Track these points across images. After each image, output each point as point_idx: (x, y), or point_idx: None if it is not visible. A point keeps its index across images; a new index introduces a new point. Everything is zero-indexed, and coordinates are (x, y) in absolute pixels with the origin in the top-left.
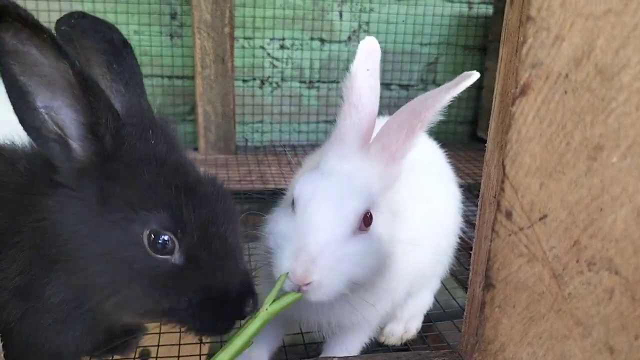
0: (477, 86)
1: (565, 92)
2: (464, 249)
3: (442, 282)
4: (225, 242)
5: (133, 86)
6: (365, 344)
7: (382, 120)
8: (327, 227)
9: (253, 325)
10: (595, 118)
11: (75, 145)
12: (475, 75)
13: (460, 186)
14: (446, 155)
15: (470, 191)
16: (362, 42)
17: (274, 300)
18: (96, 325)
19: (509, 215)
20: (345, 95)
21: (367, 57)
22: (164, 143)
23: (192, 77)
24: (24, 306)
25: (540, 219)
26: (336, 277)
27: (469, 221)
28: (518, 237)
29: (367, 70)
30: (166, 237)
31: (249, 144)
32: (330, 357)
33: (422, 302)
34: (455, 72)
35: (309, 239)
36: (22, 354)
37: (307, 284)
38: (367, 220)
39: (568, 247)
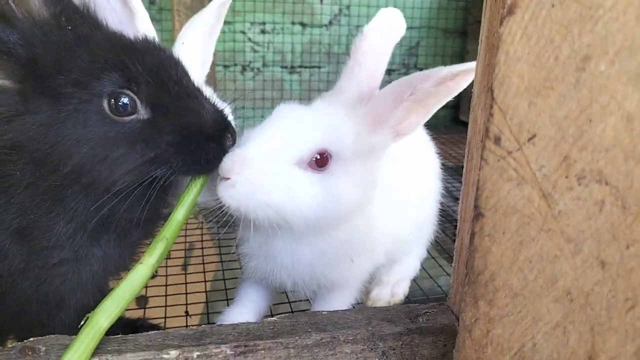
0: None
1: (553, 6)
2: (449, 221)
3: (425, 269)
4: (182, 84)
5: None
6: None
7: None
8: (272, 145)
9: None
10: (583, 28)
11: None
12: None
13: (445, 167)
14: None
15: (455, 171)
16: (384, 10)
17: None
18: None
19: (497, 140)
20: (352, 52)
21: (385, 24)
22: (86, 23)
23: None
24: (26, 250)
25: (529, 139)
26: (254, 189)
27: (455, 197)
28: (507, 162)
29: (380, 33)
30: (125, 99)
31: None
32: (318, 311)
33: (409, 266)
34: (437, 55)
35: (250, 145)
36: (23, 309)
37: (226, 178)
38: (320, 161)
39: (557, 164)
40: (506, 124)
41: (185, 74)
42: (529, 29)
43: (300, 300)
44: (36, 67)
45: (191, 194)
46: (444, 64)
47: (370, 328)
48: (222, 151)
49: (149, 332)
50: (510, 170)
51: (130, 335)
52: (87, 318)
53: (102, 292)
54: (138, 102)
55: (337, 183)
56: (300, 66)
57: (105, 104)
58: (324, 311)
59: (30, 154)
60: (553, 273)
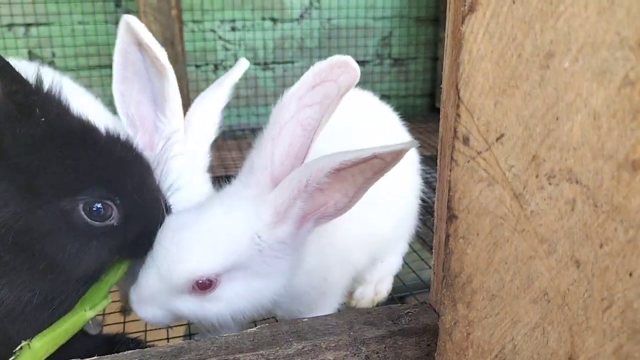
0: (433, 57)
1: (514, 2)
2: (430, 213)
3: (408, 264)
4: (153, 195)
5: None
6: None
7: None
8: (151, 284)
9: (66, 321)
10: (545, 24)
11: None
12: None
13: (422, 156)
14: (406, 128)
15: (433, 160)
16: (317, 65)
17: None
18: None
19: (466, 140)
20: (269, 125)
21: (313, 85)
22: (53, 110)
23: None
24: None
25: (497, 139)
26: (163, 316)
27: (433, 187)
28: (477, 162)
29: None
30: (101, 206)
31: None
32: (300, 319)
33: (391, 263)
34: (410, 44)
35: (139, 287)
36: None
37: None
38: (202, 284)
39: (527, 163)
40: (474, 124)
41: (153, 177)
42: (490, 27)
43: None
44: (6, 159)
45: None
46: (418, 52)
47: (352, 333)
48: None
49: (126, 352)
50: (481, 171)
51: (106, 356)
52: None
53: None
54: (115, 210)
55: (241, 290)
56: (273, 62)
57: (81, 208)
58: (304, 318)
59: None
60: (529, 274)
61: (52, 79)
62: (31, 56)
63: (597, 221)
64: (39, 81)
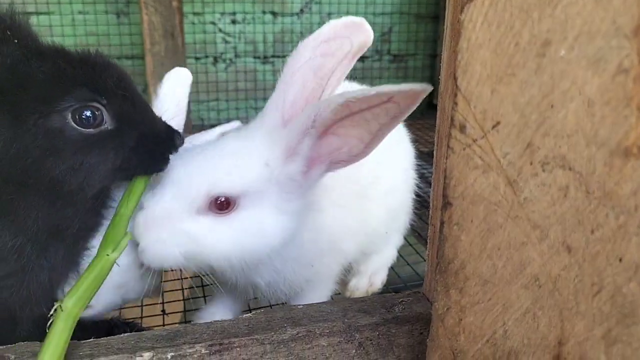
0: (432, 54)
1: None
2: (425, 207)
3: (403, 257)
4: (137, 94)
5: None
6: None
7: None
8: (167, 200)
9: (91, 272)
10: (543, 12)
11: None
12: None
13: (419, 152)
14: (403, 124)
15: (430, 156)
16: (333, 22)
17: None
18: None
19: (462, 128)
20: (282, 70)
21: (331, 37)
22: (27, 36)
23: (142, 57)
24: None
25: (494, 126)
26: (162, 248)
27: (429, 182)
28: (472, 150)
29: (316, 50)
30: (89, 112)
31: (206, 122)
32: (295, 305)
33: (385, 255)
34: (409, 40)
35: (148, 207)
36: None
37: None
38: (221, 204)
39: (521, 150)
40: (470, 112)
41: (134, 85)
42: (489, 15)
43: None
44: None
45: (138, 190)
46: (417, 48)
47: (346, 320)
48: (175, 148)
49: (122, 335)
50: (476, 158)
51: (102, 338)
52: (56, 308)
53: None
54: (105, 112)
55: (253, 219)
56: (273, 56)
57: (70, 117)
58: (299, 305)
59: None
60: (521, 260)
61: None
62: None
63: (589, 207)
64: (9, 10)
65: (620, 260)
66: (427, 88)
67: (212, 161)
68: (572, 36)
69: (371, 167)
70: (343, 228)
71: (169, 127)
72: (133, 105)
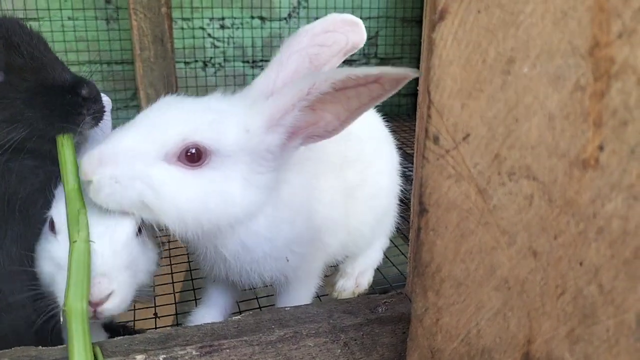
0: (417, 58)
1: (479, 12)
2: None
3: (389, 259)
4: (36, 49)
5: None
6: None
7: None
8: (134, 139)
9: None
10: (506, 33)
11: None
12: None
13: (406, 154)
14: (391, 127)
15: None
16: (333, 15)
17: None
18: None
19: (436, 139)
20: (281, 49)
21: (328, 29)
22: None
23: (132, 62)
24: None
25: (464, 138)
26: (118, 189)
27: None
28: (445, 160)
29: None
30: None
31: None
32: (282, 307)
33: (372, 257)
34: (396, 44)
35: (110, 141)
36: None
37: (89, 181)
38: (192, 156)
39: (490, 161)
40: (443, 124)
41: (41, 43)
42: (458, 34)
43: (268, 295)
44: None
45: (67, 156)
46: (403, 52)
47: (331, 321)
48: (79, 102)
49: (115, 338)
50: (449, 168)
51: (95, 342)
52: (63, 312)
53: (30, 276)
54: None
55: (220, 180)
56: (262, 60)
57: None
58: (286, 307)
59: None
60: (492, 263)
61: None
62: None
63: (552, 215)
64: None
65: (581, 264)
66: (416, 73)
67: (193, 112)
68: (534, 55)
69: (359, 169)
70: (326, 221)
71: (76, 78)
72: (26, 57)
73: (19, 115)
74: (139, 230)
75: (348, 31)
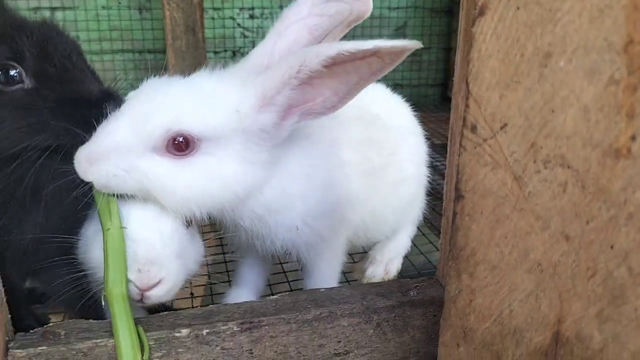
0: (445, 48)
1: (518, 8)
2: (439, 199)
3: (417, 246)
4: (69, 58)
5: None
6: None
7: None
8: (120, 134)
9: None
10: (545, 28)
11: None
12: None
13: (433, 144)
14: (418, 117)
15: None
16: None
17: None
18: None
19: (474, 128)
20: (277, 20)
21: (327, 0)
22: None
23: (163, 51)
24: None
25: (502, 128)
26: (117, 180)
27: (442, 174)
28: (483, 148)
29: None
30: (11, 71)
31: None
32: (317, 288)
33: (400, 244)
34: (424, 35)
35: (98, 140)
36: None
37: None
38: (180, 144)
39: (526, 150)
40: (481, 114)
41: (77, 52)
42: (498, 29)
43: (298, 280)
44: None
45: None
46: (432, 42)
47: (365, 302)
48: (104, 116)
49: (161, 314)
50: (486, 156)
51: (142, 317)
52: (104, 297)
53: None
54: (23, 72)
55: (215, 164)
56: None
57: None
58: (321, 288)
59: None
60: (525, 247)
61: None
62: None
63: (585, 201)
64: None
65: (612, 247)
66: (416, 45)
67: (176, 97)
68: (571, 50)
69: (383, 153)
70: (345, 193)
71: (104, 93)
72: (58, 68)
73: (44, 124)
74: (189, 222)
75: (352, 0)
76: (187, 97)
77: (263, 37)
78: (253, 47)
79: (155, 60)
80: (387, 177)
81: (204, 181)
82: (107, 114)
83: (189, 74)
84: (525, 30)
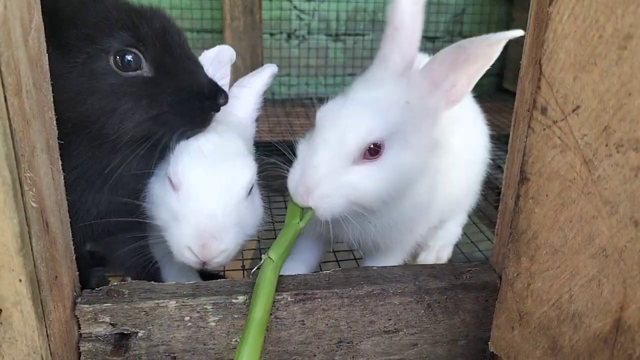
0: None
1: None
2: (491, 188)
3: (467, 236)
4: (183, 49)
5: None
6: None
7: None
8: (324, 160)
9: (287, 235)
10: (626, 9)
11: None
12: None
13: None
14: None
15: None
16: None
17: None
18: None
19: (544, 110)
20: (389, 19)
21: None
22: None
23: (221, 31)
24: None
25: (574, 110)
26: (331, 202)
27: (497, 165)
28: (552, 130)
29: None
30: (130, 56)
31: (276, 97)
32: (369, 266)
33: (451, 232)
34: (482, 22)
35: (308, 171)
36: None
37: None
38: (372, 150)
39: (598, 133)
40: (552, 96)
41: (185, 42)
42: (576, 9)
43: (348, 259)
44: (55, 19)
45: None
46: (490, 31)
47: (417, 282)
48: (217, 108)
49: (219, 280)
50: (555, 138)
51: (202, 282)
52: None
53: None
54: (143, 60)
55: (397, 158)
56: (345, 34)
57: (111, 59)
58: (374, 266)
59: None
60: (591, 232)
61: None
62: None
63: None
64: None
65: None
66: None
67: (358, 113)
68: None
69: (463, 134)
70: (440, 193)
71: (214, 85)
72: (175, 58)
73: (164, 117)
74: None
75: None
76: (367, 109)
77: (319, 19)
78: (309, 29)
79: (212, 40)
80: (463, 160)
81: (394, 174)
82: (218, 107)
83: (246, 55)
84: (605, 11)
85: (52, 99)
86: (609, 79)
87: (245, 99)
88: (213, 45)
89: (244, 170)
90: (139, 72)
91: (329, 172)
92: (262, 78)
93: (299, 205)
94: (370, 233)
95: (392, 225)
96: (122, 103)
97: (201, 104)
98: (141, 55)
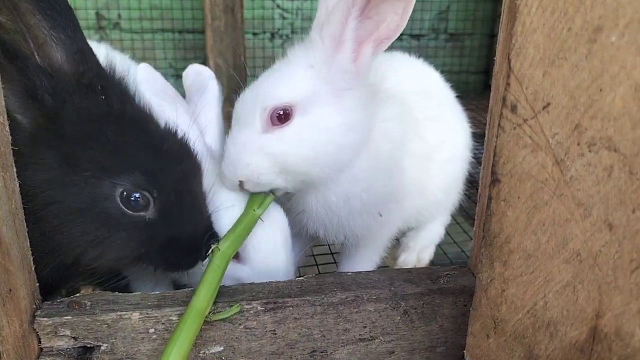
0: (489, 34)
1: None
2: (475, 188)
3: (451, 236)
4: (195, 198)
5: (72, 32)
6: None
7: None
8: (238, 136)
9: (241, 224)
10: (595, 0)
11: (17, 115)
12: None
13: (474, 134)
14: (460, 104)
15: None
16: None
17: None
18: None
19: (514, 108)
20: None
21: None
22: (115, 95)
23: (202, 31)
24: None
25: (544, 107)
26: (255, 169)
27: (481, 162)
28: (522, 129)
29: None
30: (139, 196)
31: None
32: (344, 272)
33: (433, 232)
34: (467, 19)
35: (228, 150)
36: None
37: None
38: (281, 117)
39: (570, 131)
40: (522, 93)
41: (200, 182)
42: (544, 1)
43: (328, 263)
44: (57, 123)
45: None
46: (475, 27)
47: (392, 288)
48: (200, 257)
49: (185, 290)
50: (526, 138)
51: (167, 292)
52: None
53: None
54: (152, 204)
55: (313, 119)
56: None
57: (118, 192)
58: (348, 272)
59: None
60: (564, 235)
61: (125, 67)
62: (98, 17)
63: (632, 187)
64: (110, 67)
65: None
66: None
67: (259, 85)
68: (623, 23)
69: (438, 130)
70: (410, 181)
71: (208, 229)
72: (183, 206)
73: (149, 257)
74: None
75: None
76: (266, 79)
77: (302, 18)
78: (292, 28)
79: (194, 40)
80: (440, 156)
81: (313, 134)
82: (206, 253)
83: (228, 54)
84: (573, 2)
85: (3, 104)
86: (579, 74)
87: (212, 127)
88: (194, 46)
89: None
90: (142, 214)
91: (243, 144)
92: (214, 98)
93: (232, 182)
94: (333, 209)
95: (352, 197)
96: (114, 237)
97: (190, 251)
98: (151, 200)
